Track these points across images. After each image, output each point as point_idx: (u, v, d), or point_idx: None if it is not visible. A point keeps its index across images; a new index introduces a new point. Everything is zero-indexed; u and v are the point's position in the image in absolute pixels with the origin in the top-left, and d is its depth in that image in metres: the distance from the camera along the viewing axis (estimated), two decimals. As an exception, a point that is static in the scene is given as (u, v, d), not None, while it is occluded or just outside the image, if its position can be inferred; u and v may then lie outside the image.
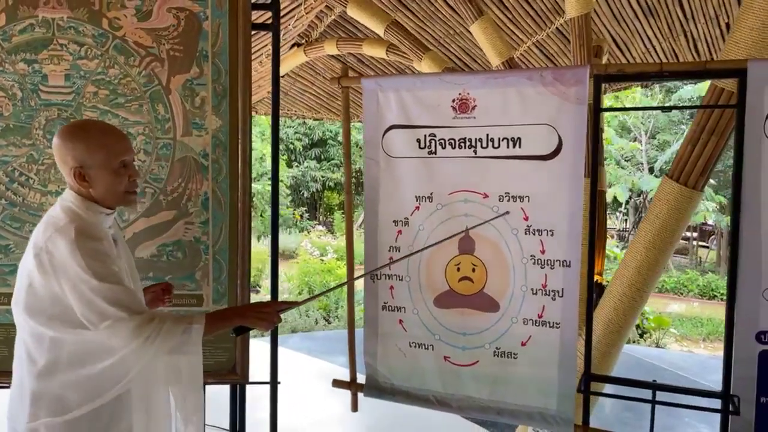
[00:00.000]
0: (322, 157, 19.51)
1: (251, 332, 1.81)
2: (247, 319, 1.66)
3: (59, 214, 1.59)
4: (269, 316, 1.66)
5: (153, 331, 1.49)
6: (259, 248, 11.13)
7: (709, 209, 13.50)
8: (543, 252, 2.06)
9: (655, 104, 14.41)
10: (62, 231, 1.52)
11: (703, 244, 18.94)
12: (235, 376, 2.37)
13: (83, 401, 1.59)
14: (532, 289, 2.09)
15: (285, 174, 17.64)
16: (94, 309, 1.48)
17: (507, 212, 2.08)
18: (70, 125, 1.67)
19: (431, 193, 2.21)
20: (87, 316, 1.49)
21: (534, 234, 2.07)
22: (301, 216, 18.88)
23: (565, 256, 2.03)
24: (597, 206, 2.16)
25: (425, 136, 2.19)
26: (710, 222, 16.46)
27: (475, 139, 2.12)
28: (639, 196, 15.94)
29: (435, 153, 2.18)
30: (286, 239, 14.55)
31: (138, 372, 1.57)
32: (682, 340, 9.22)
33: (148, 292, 1.94)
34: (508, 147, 2.08)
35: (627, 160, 15.24)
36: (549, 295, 2.06)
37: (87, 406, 1.59)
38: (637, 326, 8.06)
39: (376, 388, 2.37)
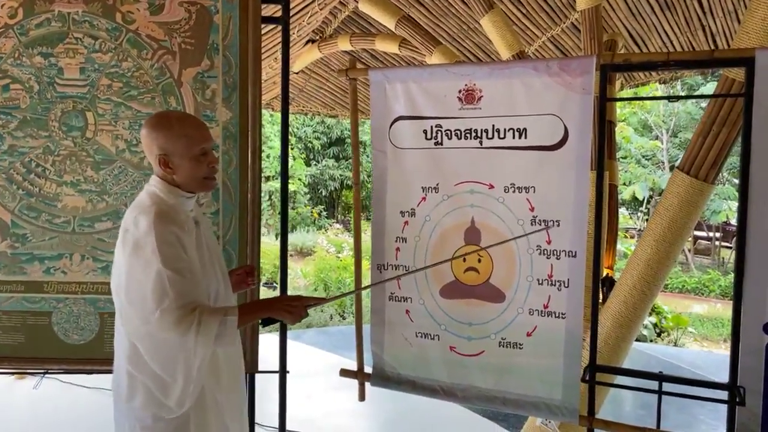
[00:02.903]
0: (341, 155, 19.56)
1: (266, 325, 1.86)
2: (276, 311, 1.73)
3: (144, 198, 1.69)
4: (297, 309, 1.72)
5: (192, 323, 1.56)
6: (274, 245, 11.22)
7: (732, 209, 13.27)
8: (549, 242, 2.06)
9: (676, 102, 14.21)
10: (145, 212, 1.62)
11: (726, 244, 18.61)
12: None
13: (167, 394, 1.66)
14: (537, 280, 2.09)
15: (303, 172, 17.72)
16: (155, 292, 1.55)
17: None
18: (154, 116, 1.76)
19: (437, 184, 2.22)
20: (148, 299, 1.56)
21: (540, 224, 2.07)
22: (319, 214, 18.96)
23: (571, 247, 2.03)
24: (608, 198, 2.15)
25: (432, 127, 2.20)
26: (733, 222, 16.18)
27: (481, 129, 2.13)
28: (660, 195, 15.71)
29: (441, 144, 2.19)
30: (303, 237, 14.63)
31: (199, 368, 1.64)
32: (702, 341, 9.09)
33: (233, 274, 2.00)
34: (513, 137, 2.08)
35: (647, 159, 15.04)
36: (555, 285, 2.06)
37: (171, 399, 1.66)
38: (655, 325, 7.96)
39: (383, 378, 2.39)
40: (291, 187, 14.78)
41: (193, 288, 1.63)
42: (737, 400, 1.86)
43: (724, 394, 1.94)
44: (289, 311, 1.71)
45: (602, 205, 2.07)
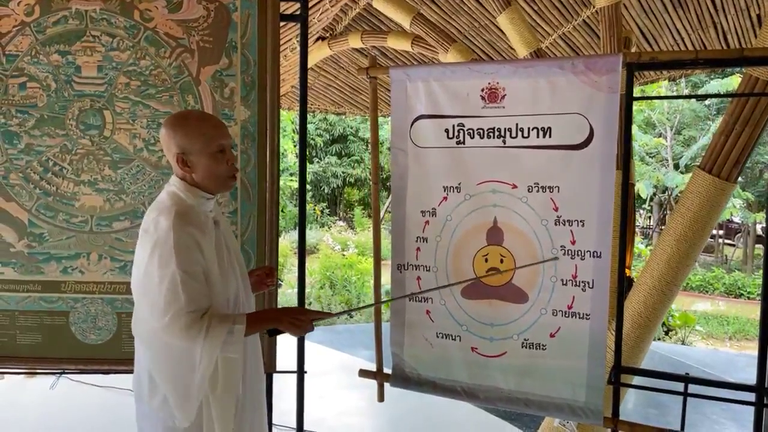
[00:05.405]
0: (343, 153, 19.55)
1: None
2: (282, 324, 1.72)
3: (164, 198, 1.68)
4: (303, 324, 1.71)
5: (201, 329, 1.56)
6: (281, 243, 11.21)
7: (736, 206, 13.25)
8: (573, 242, 2.04)
9: (681, 100, 14.20)
10: (165, 212, 1.61)
11: (729, 241, 18.61)
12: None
13: (182, 399, 1.65)
14: (561, 280, 2.07)
15: (306, 170, 17.71)
16: (167, 294, 1.54)
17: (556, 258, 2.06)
18: (173, 115, 1.75)
19: (459, 183, 2.20)
20: (160, 301, 1.55)
21: (564, 224, 2.05)
22: (322, 212, 18.96)
23: (596, 247, 2.01)
24: (627, 198, 2.13)
25: (454, 125, 2.18)
26: (736, 219, 16.17)
27: (505, 128, 2.10)
28: (663, 192, 15.70)
29: (463, 143, 2.17)
30: (307, 235, 14.63)
31: (202, 377, 1.62)
32: (708, 339, 9.09)
33: (252, 275, 1.98)
34: (537, 137, 2.06)
35: (651, 156, 15.02)
36: (579, 286, 2.04)
37: (176, 408, 1.65)
38: (663, 323, 7.96)
39: (403, 379, 2.37)
40: (293, 185, 14.76)
41: (208, 292, 1.62)
42: (765, 402, 1.84)
43: (750, 397, 1.92)
44: (296, 325, 1.70)
45: (627, 205, 2.05)
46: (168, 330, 1.55)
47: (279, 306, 2.54)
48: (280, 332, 1.75)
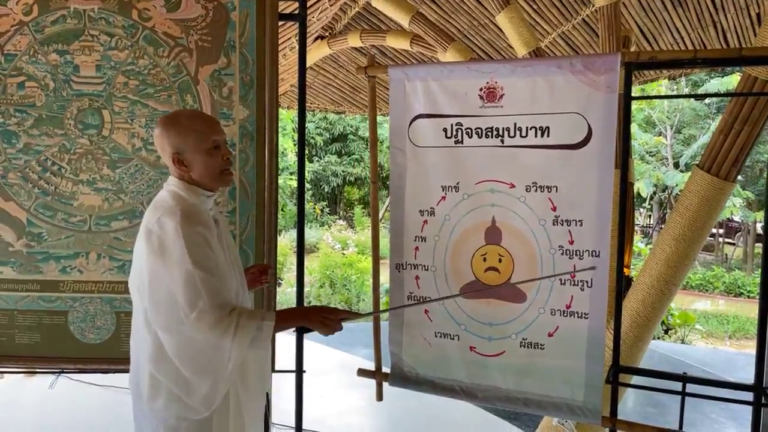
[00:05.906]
0: (343, 152, 19.54)
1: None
2: (311, 322, 1.71)
3: (167, 198, 1.66)
4: (332, 323, 1.71)
5: (230, 325, 1.56)
6: (280, 242, 11.21)
7: (736, 205, 13.25)
8: (571, 242, 2.04)
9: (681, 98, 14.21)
10: (169, 213, 1.60)
11: (729, 240, 18.62)
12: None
13: (192, 395, 1.64)
14: (560, 280, 2.06)
15: (306, 169, 17.68)
16: (187, 293, 1.54)
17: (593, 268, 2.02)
18: (164, 116, 1.75)
19: (457, 183, 2.20)
20: (181, 301, 1.55)
21: (562, 224, 2.05)
22: (322, 211, 18.96)
23: (594, 247, 2.00)
24: (626, 197, 2.13)
25: (452, 125, 2.18)
26: (737, 218, 16.17)
27: (503, 128, 2.10)
28: (664, 191, 15.70)
29: (461, 142, 2.17)
30: (306, 233, 14.63)
31: (231, 370, 1.62)
32: (708, 338, 9.09)
33: (247, 272, 1.98)
34: (536, 136, 2.06)
35: (651, 155, 15.02)
36: (577, 285, 2.04)
37: (196, 400, 1.65)
38: (662, 322, 7.97)
39: (401, 378, 2.37)
40: (293, 184, 14.76)
41: (223, 287, 1.62)
42: (763, 401, 1.84)
43: (748, 396, 1.92)
44: (325, 324, 1.69)
45: (626, 204, 2.05)
46: (195, 327, 1.55)
47: (278, 306, 2.55)
48: (309, 330, 1.75)
